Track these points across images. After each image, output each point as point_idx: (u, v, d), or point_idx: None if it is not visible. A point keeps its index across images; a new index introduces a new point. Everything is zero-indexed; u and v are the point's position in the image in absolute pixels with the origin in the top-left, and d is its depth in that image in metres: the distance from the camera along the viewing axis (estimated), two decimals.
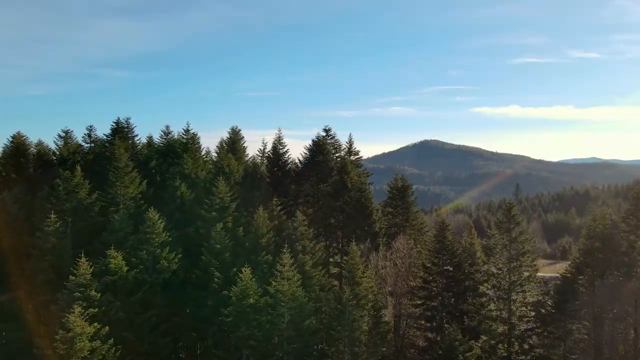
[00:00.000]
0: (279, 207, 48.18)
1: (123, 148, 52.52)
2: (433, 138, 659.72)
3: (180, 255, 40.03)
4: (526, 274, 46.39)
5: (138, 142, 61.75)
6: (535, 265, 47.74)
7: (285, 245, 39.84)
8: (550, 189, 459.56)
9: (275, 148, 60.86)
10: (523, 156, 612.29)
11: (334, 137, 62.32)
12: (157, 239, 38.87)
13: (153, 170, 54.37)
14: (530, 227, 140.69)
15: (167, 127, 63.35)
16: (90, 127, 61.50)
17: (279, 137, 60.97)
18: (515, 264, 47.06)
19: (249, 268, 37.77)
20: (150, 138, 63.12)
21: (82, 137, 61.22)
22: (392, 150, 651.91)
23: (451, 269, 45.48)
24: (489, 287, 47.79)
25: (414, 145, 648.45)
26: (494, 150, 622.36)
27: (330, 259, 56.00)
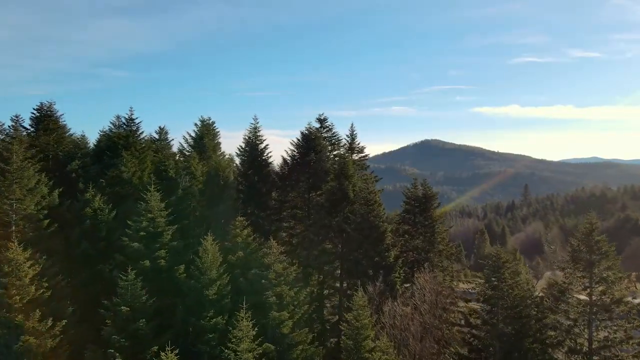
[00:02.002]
0: (245, 231, 30.88)
1: (28, 143, 35.61)
2: (434, 138, 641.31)
3: (64, 322, 22.85)
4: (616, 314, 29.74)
5: (70, 135, 44.72)
6: (635, 319, 30.46)
7: (244, 305, 22.76)
8: (554, 188, 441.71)
9: (251, 144, 43.51)
10: (524, 156, 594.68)
11: (330, 129, 45.03)
12: (17, 297, 21.67)
13: (73, 175, 37.22)
14: (551, 233, 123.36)
15: (118, 117, 46.47)
16: (17, 117, 44.38)
17: (255, 128, 43.61)
18: (602, 315, 30.28)
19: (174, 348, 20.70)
20: (104, 134, 45.59)
21: (6, 129, 44.25)
22: (392, 149, 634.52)
23: (512, 330, 28.32)
24: (562, 351, 30.78)
25: (415, 145, 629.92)
26: (496, 150, 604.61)
27: (326, 302, 38.74)
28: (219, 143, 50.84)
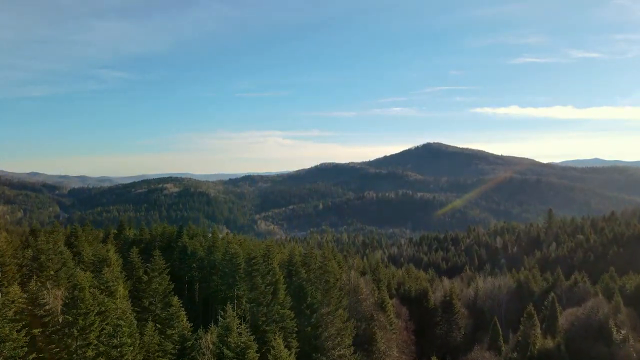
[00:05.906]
0: None
1: None
2: (435, 140, 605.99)
3: None
4: None
5: None
6: None
7: None
8: (565, 197, 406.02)
9: None
10: (528, 159, 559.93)
11: None
12: None
13: None
14: (620, 316, 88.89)
15: None
16: None
17: None
18: None
19: None
20: None
21: None
22: (394, 152, 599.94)
23: None
24: None
25: (417, 148, 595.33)
26: (499, 154, 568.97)
27: None
28: None
